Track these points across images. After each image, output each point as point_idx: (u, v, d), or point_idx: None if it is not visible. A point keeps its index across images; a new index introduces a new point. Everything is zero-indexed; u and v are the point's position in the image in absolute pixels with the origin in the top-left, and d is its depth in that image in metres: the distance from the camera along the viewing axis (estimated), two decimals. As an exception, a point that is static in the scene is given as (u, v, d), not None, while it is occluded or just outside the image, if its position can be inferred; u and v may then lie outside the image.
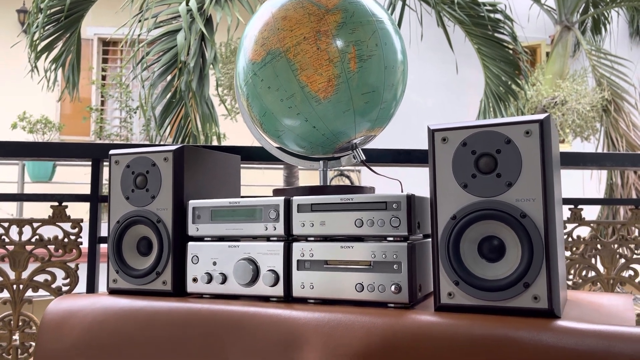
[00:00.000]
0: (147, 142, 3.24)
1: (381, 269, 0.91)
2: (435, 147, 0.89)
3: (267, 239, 1.02)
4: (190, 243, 1.08)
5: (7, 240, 1.44)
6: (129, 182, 1.14)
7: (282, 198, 1.00)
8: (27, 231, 1.45)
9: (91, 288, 1.41)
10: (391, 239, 0.92)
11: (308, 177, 6.61)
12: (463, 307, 0.85)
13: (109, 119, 7.23)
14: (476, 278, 0.85)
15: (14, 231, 1.45)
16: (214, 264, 1.04)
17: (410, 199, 0.91)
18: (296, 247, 0.98)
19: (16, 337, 1.43)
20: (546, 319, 0.80)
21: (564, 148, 6.76)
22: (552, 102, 5.37)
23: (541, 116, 0.83)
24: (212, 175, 1.22)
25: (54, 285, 1.45)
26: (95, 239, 1.45)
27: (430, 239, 1.01)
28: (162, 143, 2.94)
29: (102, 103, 7.40)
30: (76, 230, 1.47)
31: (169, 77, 2.90)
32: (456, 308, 0.85)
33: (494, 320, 0.81)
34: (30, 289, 1.43)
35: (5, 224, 1.45)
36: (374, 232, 0.93)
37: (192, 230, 1.08)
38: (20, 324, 1.42)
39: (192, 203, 1.08)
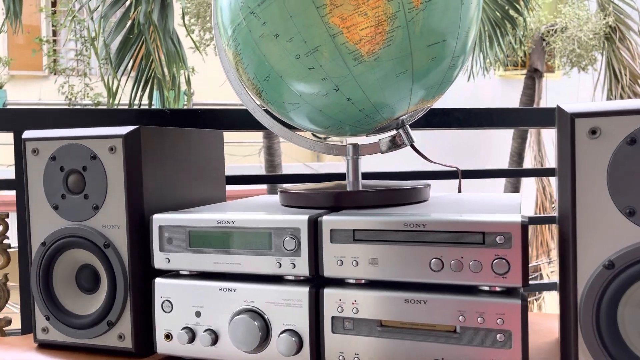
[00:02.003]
0: (105, 86, 2.74)
1: (475, 339, 0.57)
2: (577, 145, 0.52)
3: (282, 280, 0.65)
4: (157, 280, 0.70)
5: None
6: (57, 184, 0.74)
7: (305, 218, 0.63)
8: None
9: (27, 311, 1.03)
10: (486, 288, 0.57)
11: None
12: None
13: (62, 52, 6.35)
14: (645, 365, 0.51)
15: None
16: (198, 314, 0.68)
17: (526, 229, 0.55)
18: (330, 295, 0.62)
19: None
20: None
21: (553, 79, 6.26)
22: (552, 29, 4.93)
23: None
24: (185, 167, 0.82)
25: (-29, 305, 1.06)
26: (27, 241, 1.05)
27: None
28: (120, 83, 2.42)
29: (54, 33, 6.51)
30: (0, 228, 1.07)
31: (125, 6, 2.36)
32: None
33: None
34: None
35: None
36: (463, 281, 0.57)
37: (159, 260, 0.70)
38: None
39: (158, 219, 0.70)
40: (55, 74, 5.82)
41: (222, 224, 0.66)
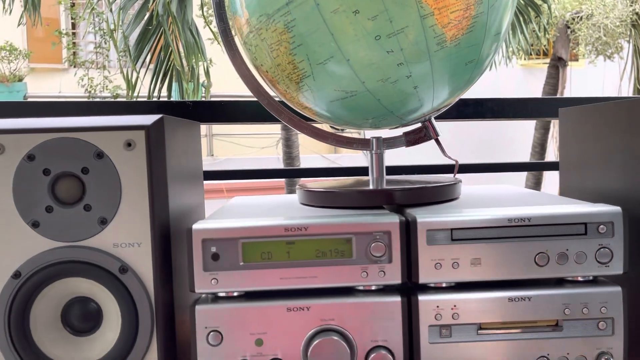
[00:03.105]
0: (124, 78, 2.51)
1: (578, 330, 0.57)
2: (674, 136, 0.56)
3: (360, 291, 0.57)
4: (200, 307, 0.56)
5: None
6: (38, 193, 0.54)
7: (396, 219, 0.56)
8: None
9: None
10: (578, 278, 0.58)
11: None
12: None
13: (82, 44, 6.01)
14: None
15: None
16: (259, 342, 0.56)
17: (627, 217, 0.57)
18: (427, 303, 0.56)
19: None
20: None
21: (577, 67, 5.89)
22: (577, 16, 4.74)
23: None
24: (189, 163, 0.68)
25: None
26: None
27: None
28: (139, 75, 2.20)
29: (73, 26, 6.16)
30: None
31: None
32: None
33: None
34: None
35: None
36: (568, 273, 0.57)
37: (203, 282, 0.56)
38: None
39: (200, 231, 0.55)
40: (74, 66, 5.52)
41: (291, 229, 0.56)
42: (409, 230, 0.56)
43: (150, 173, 0.55)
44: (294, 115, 0.73)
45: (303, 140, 4.22)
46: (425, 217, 0.56)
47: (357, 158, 5.74)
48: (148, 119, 0.55)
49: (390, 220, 0.56)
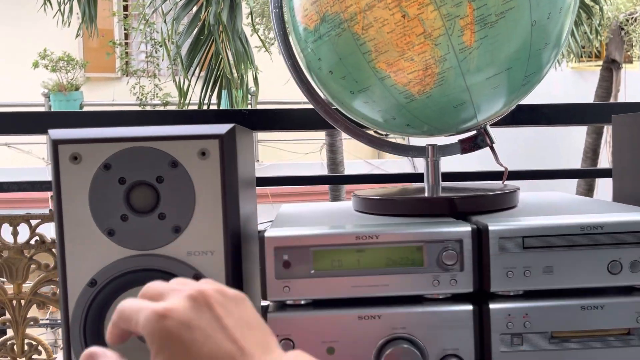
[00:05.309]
0: (176, 86, 2.63)
1: (650, 338, 0.56)
2: None
3: (437, 300, 0.57)
4: (271, 315, 0.56)
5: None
6: (114, 201, 0.55)
7: (468, 228, 0.56)
8: (23, 230, 0.89)
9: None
10: (649, 286, 0.57)
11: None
12: None
13: (134, 54, 6.30)
14: None
15: (6, 231, 0.89)
16: (330, 351, 0.56)
17: (699, 225, 0.56)
18: (498, 311, 0.56)
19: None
20: None
21: (632, 69, 5.57)
22: (631, 17, 4.56)
23: None
24: (247, 170, 0.68)
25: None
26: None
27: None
28: (190, 83, 2.37)
29: (126, 36, 6.46)
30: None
31: (194, 9, 2.45)
32: None
33: None
34: (34, 305, 0.92)
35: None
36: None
37: (275, 290, 0.56)
38: (25, 348, 0.92)
39: (274, 238, 0.56)
40: (127, 75, 5.82)
41: (362, 239, 0.56)
42: (480, 238, 0.56)
43: (224, 182, 0.55)
44: (349, 123, 0.74)
45: (347, 146, 4.20)
46: (497, 225, 0.56)
47: (400, 163, 5.58)
48: (221, 128, 0.55)
49: (462, 228, 0.56)
